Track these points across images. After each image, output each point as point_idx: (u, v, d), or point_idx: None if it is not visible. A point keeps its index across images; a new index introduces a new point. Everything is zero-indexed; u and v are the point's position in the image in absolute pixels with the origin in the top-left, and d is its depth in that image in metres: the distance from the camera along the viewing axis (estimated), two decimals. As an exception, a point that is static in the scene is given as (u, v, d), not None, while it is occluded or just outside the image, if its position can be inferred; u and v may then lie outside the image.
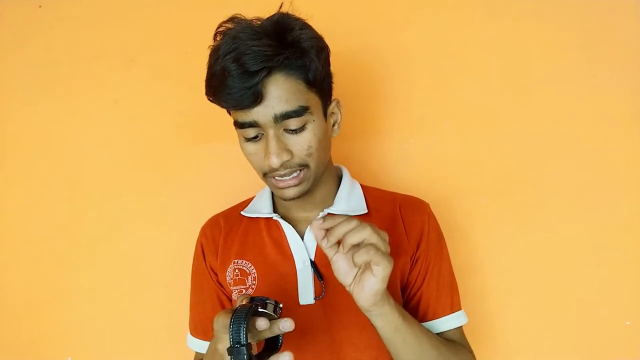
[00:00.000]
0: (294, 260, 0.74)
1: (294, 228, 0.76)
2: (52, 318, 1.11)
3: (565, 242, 0.97)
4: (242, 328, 0.54)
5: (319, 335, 0.71)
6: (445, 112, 1.02)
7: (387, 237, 0.59)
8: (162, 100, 1.10)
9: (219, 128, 1.06)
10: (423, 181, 1.01)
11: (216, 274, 0.80)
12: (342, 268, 0.61)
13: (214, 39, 0.67)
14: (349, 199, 0.78)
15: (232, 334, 0.54)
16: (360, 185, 0.82)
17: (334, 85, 0.74)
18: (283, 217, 0.77)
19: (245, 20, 0.66)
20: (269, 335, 0.58)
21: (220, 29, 0.67)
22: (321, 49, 0.67)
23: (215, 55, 0.65)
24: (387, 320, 0.63)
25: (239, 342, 0.54)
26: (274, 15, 0.67)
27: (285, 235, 0.76)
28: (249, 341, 0.54)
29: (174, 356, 1.05)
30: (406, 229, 0.77)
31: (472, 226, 1.00)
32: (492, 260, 1.00)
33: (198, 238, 0.85)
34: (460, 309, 0.78)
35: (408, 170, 1.03)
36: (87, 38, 1.12)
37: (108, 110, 1.11)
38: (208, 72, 0.67)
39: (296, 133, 0.66)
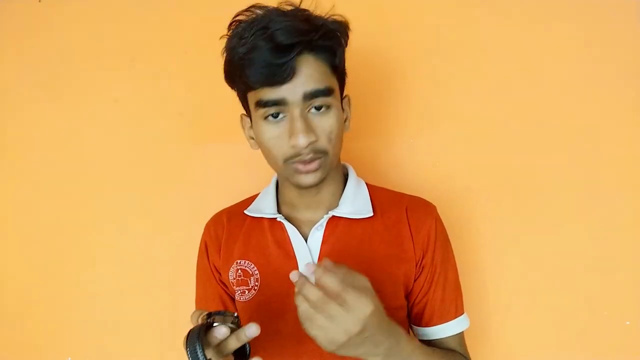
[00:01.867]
0: (297, 262, 0.73)
1: (298, 230, 0.75)
2: (52, 318, 1.11)
3: (566, 243, 0.97)
4: (197, 347, 0.54)
5: None
6: (445, 113, 1.02)
7: (351, 328, 0.53)
8: (162, 100, 1.09)
9: (219, 128, 1.07)
10: (423, 181, 1.01)
11: (219, 273, 0.80)
12: None
13: (229, 28, 0.67)
14: (355, 200, 0.77)
15: (190, 356, 0.54)
16: (366, 184, 0.81)
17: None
18: (287, 218, 0.76)
19: (267, 6, 0.66)
20: (236, 345, 0.57)
21: (238, 17, 0.67)
22: (346, 40, 0.69)
23: (239, 36, 0.64)
24: None
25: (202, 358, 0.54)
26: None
27: (288, 237, 0.75)
28: (208, 358, 0.54)
29: (174, 356, 1.05)
30: (412, 234, 0.75)
31: (472, 226, 1.00)
32: (492, 260, 1.00)
33: (202, 235, 0.84)
34: (463, 313, 0.78)
35: (408, 170, 1.03)
36: (87, 37, 1.12)
37: (108, 109, 1.11)
38: (229, 55, 0.66)
39: (321, 115, 0.66)
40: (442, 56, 1.02)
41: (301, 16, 0.65)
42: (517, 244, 0.99)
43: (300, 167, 0.67)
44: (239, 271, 0.76)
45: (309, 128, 0.65)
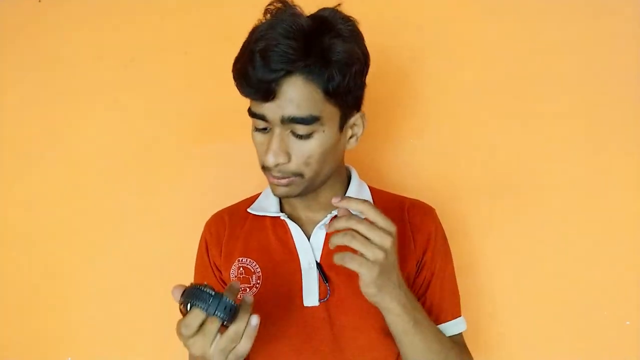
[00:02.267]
0: (299, 260, 0.74)
1: (301, 228, 0.76)
2: (52, 318, 1.11)
3: (566, 242, 0.97)
4: (203, 288, 0.53)
5: (322, 337, 0.71)
6: (447, 113, 1.02)
7: (386, 242, 0.58)
8: (162, 100, 1.10)
9: (219, 128, 1.07)
10: (424, 182, 1.01)
11: (219, 271, 0.80)
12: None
13: (264, 15, 0.65)
14: None
15: (201, 303, 0.53)
16: (369, 187, 0.82)
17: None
18: (289, 217, 0.77)
19: (291, 8, 0.64)
20: (233, 298, 0.57)
21: (269, 6, 0.65)
22: (351, 64, 0.63)
23: (252, 35, 0.64)
24: (395, 321, 0.64)
25: (211, 295, 0.53)
26: (323, 10, 0.65)
27: (291, 235, 0.76)
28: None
29: (173, 356, 1.05)
30: (413, 233, 0.76)
31: (472, 226, 1.00)
32: (492, 260, 1.00)
33: (202, 233, 0.84)
34: (460, 316, 0.78)
35: (408, 170, 1.03)
36: (87, 37, 1.12)
37: (108, 109, 1.11)
38: (240, 50, 0.66)
39: (301, 139, 0.65)
40: (444, 56, 1.02)
41: (305, 35, 0.60)
42: (517, 245, 0.99)
43: (271, 179, 0.69)
44: (241, 269, 0.77)
45: (282, 150, 0.65)
